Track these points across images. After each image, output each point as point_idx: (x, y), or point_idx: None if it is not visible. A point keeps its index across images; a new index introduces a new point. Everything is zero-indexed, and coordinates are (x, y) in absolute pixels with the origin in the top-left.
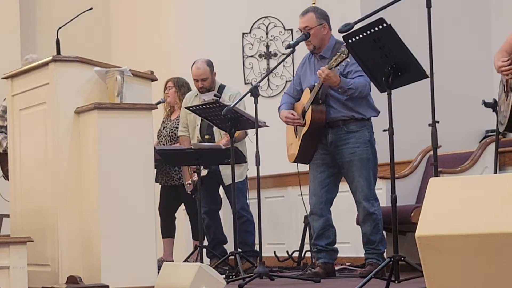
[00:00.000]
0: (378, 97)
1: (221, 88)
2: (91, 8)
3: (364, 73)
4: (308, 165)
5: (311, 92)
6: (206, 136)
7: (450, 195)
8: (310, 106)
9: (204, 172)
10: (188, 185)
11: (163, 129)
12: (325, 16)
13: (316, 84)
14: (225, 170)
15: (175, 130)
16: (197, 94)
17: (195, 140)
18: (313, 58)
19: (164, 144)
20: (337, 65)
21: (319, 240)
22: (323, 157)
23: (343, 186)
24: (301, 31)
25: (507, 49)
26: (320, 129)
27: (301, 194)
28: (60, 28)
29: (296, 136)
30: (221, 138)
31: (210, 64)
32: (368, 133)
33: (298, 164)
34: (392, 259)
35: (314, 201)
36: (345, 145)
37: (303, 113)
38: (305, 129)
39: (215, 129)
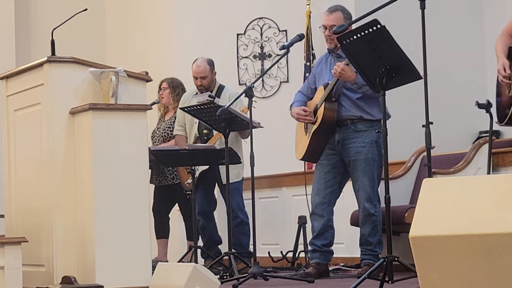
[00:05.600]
0: None
1: (221, 88)
2: (86, 9)
3: None
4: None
5: (325, 90)
6: (205, 131)
7: (443, 196)
8: (323, 104)
9: (204, 167)
10: (188, 185)
11: (157, 129)
12: (350, 17)
13: (330, 82)
14: (224, 169)
15: (168, 130)
16: (196, 93)
17: (193, 137)
18: (330, 57)
19: (157, 144)
20: None
21: (316, 240)
22: (330, 157)
23: None
24: (325, 28)
25: (509, 32)
26: (330, 127)
27: (306, 194)
28: (55, 28)
29: (306, 134)
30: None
31: (211, 63)
32: (376, 133)
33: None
34: (386, 260)
35: (317, 201)
36: (351, 144)
37: (315, 110)
38: (315, 126)
39: None
